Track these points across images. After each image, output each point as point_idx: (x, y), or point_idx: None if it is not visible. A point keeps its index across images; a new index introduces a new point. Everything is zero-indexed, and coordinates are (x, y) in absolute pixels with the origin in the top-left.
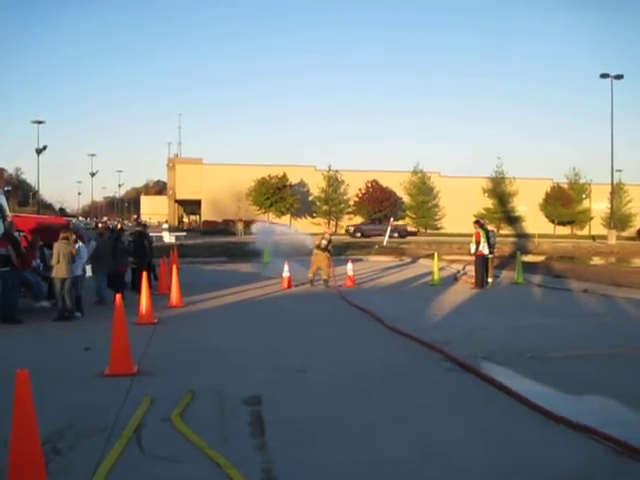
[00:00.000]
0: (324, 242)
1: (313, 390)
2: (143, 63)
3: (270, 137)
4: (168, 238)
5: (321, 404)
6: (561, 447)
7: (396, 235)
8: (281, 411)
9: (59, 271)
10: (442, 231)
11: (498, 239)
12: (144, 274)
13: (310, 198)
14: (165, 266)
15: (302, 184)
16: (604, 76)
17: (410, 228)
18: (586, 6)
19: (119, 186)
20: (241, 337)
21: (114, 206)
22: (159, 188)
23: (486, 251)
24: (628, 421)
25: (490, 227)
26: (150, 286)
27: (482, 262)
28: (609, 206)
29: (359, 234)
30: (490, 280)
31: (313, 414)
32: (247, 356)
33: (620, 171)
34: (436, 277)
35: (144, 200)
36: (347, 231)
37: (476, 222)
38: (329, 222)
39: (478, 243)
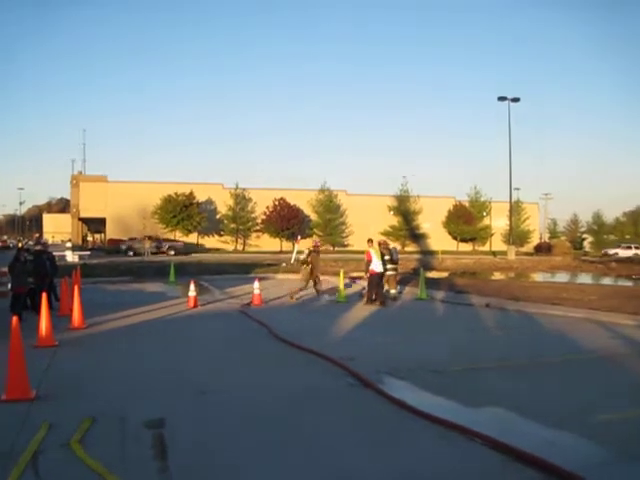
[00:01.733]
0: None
1: (216, 412)
2: (46, 79)
3: (177, 155)
4: (71, 257)
5: (224, 425)
6: (457, 457)
7: (173, 253)
8: (184, 433)
9: None
10: (349, 248)
11: (403, 256)
12: (44, 295)
13: (218, 216)
14: (67, 286)
15: (209, 202)
16: (502, 99)
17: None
18: (485, 27)
19: (20, 204)
20: (144, 359)
21: (15, 224)
22: (62, 206)
23: (379, 269)
24: (524, 431)
25: (393, 244)
26: (51, 307)
27: (374, 280)
28: (508, 223)
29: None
30: (394, 292)
31: (216, 436)
32: (150, 378)
33: (518, 189)
34: (342, 294)
35: (47, 218)
36: None
37: (369, 241)
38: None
39: (369, 262)
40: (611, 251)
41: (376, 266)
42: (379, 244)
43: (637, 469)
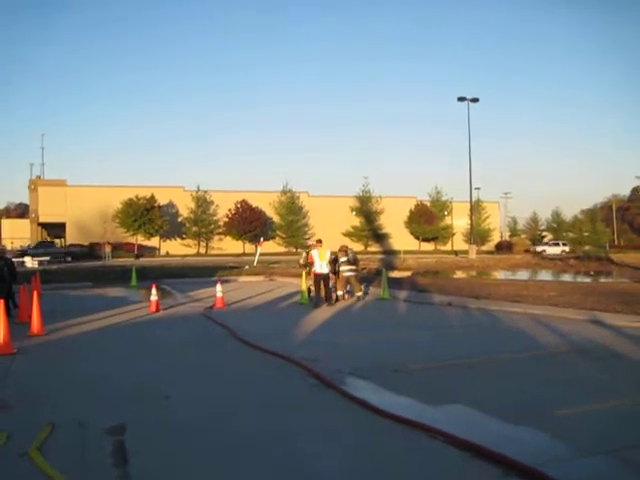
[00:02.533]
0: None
1: (178, 416)
2: (2, 82)
3: (137, 158)
4: (30, 263)
5: (186, 430)
6: (419, 455)
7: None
8: (145, 439)
9: None
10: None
11: (366, 256)
12: (1, 301)
13: (179, 219)
14: (26, 293)
15: (171, 205)
16: (461, 99)
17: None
18: (452, 24)
19: None
20: (105, 364)
21: None
22: (21, 211)
23: (320, 270)
24: (484, 428)
25: (352, 246)
26: (9, 314)
27: (317, 281)
28: (469, 222)
29: None
30: (359, 294)
31: (178, 441)
32: (111, 384)
33: (478, 189)
34: (305, 296)
35: (5, 223)
36: None
37: (318, 241)
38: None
39: (311, 263)
40: (539, 248)
41: (318, 267)
42: (340, 249)
43: (594, 463)
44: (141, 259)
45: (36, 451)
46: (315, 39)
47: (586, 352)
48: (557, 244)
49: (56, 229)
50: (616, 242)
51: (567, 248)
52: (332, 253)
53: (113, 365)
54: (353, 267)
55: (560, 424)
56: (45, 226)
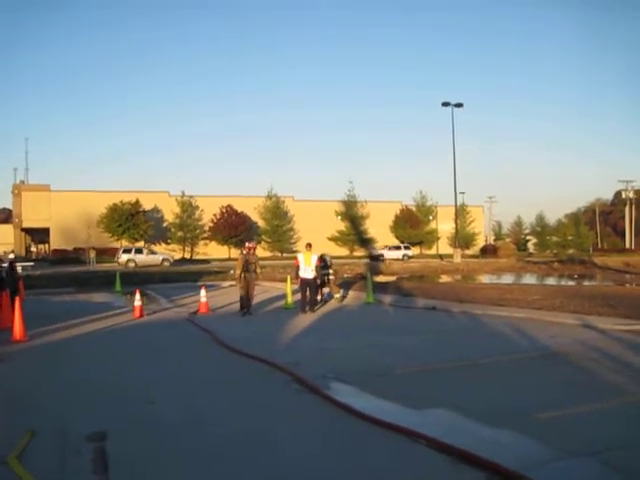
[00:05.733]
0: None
1: (161, 422)
2: None
3: (122, 163)
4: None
5: (169, 437)
6: (402, 459)
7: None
8: (127, 446)
9: None
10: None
11: (351, 260)
12: None
13: (164, 224)
14: (8, 298)
15: (156, 210)
16: (445, 104)
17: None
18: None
19: None
20: (88, 370)
21: None
22: (5, 216)
23: (303, 275)
24: (467, 431)
25: (338, 250)
26: None
27: (302, 286)
28: (454, 226)
29: None
30: (337, 296)
31: (160, 447)
32: (93, 390)
33: (463, 193)
34: (289, 300)
35: None
36: None
37: (307, 245)
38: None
39: (297, 267)
40: (376, 252)
41: (302, 272)
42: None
43: (577, 465)
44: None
45: (15, 459)
46: (300, 44)
47: (569, 355)
48: (398, 247)
49: (40, 234)
50: (599, 245)
51: (409, 252)
52: (320, 258)
53: (96, 371)
54: (328, 271)
55: (543, 427)
56: (29, 231)
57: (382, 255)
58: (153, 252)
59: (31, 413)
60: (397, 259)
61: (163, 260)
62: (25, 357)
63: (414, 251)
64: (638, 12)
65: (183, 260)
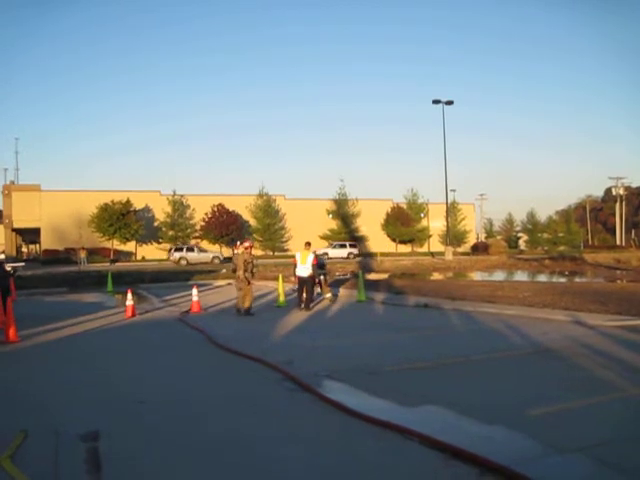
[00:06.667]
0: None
1: (153, 422)
2: None
3: (113, 163)
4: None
5: (161, 436)
6: (395, 456)
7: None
8: (119, 445)
9: None
10: (289, 253)
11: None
12: None
13: (156, 224)
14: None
15: (147, 209)
16: (436, 102)
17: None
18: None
19: None
20: (80, 370)
21: None
22: None
23: (299, 273)
24: (460, 428)
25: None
26: None
27: (299, 284)
28: (445, 224)
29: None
30: (328, 296)
31: (153, 447)
32: (86, 389)
33: (454, 191)
34: (281, 298)
35: None
36: None
37: (307, 244)
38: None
39: (295, 266)
40: (320, 251)
41: (298, 270)
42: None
43: (568, 461)
44: (117, 264)
45: (8, 459)
46: (289, 42)
47: (560, 351)
48: (344, 245)
49: (31, 234)
50: (590, 242)
51: (355, 250)
52: (317, 256)
53: (88, 371)
54: (322, 271)
55: (535, 423)
56: (20, 232)
57: (327, 254)
58: (204, 250)
59: (23, 413)
60: (342, 257)
61: (213, 258)
62: (16, 358)
63: (405, 248)
64: (625, 8)
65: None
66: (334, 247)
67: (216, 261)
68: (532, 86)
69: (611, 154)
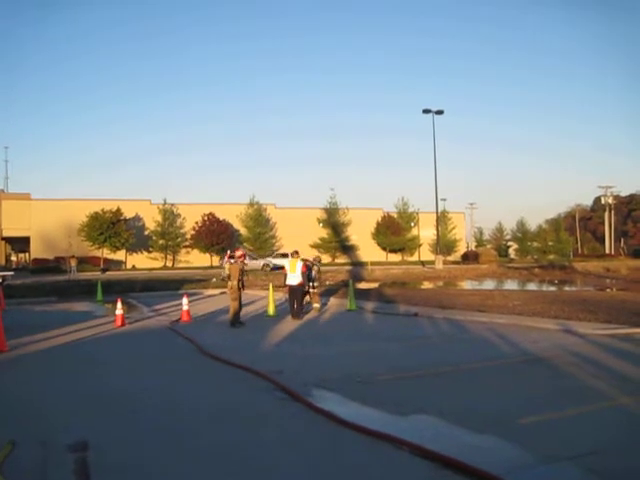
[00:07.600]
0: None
1: (143, 432)
2: None
3: (103, 171)
4: None
5: (151, 445)
6: (386, 467)
7: None
8: (109, 456)
9: None
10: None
11: (334, 267)
12: None
13: (146, 232)
14: None
15: (137, 218)
16: (426, 111)
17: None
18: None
19: None
20: (69, 380)
21: None
22: None
23: (291, 282)
24: (450, 437)
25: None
26: None
27: (288, 293)
28: (435, 233)
29: None
30: (317, 305)
31: (142, 457)
32: (74, 400)
33: (444, 200)
34: (271, 308)
35: None
36: None
37: (295, 252)
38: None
39: (285, 275)
40: (261, 262)
41: (288, 279)
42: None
43: (558, 470)
44: (107, 273)
45: None
46: (279, 53)
47: (550, 360)
48: (285, 255)
49: (20, 243)
50: (579, 251)
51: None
52: (306, 264)
53: (76, 380)
54: (313, 283)
55: (525, 432)
56: (9, 240)
57: (268, 264)
58: (254, 257)
59: (11, 423)
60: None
61: (263, 265)
62: (4, 368)
63: (396, 257)
64: (616, 13)
65: (164, 268)
66: (275, 257)
67: (266, 269)
68: (522, 95)
69: (600, 163)
